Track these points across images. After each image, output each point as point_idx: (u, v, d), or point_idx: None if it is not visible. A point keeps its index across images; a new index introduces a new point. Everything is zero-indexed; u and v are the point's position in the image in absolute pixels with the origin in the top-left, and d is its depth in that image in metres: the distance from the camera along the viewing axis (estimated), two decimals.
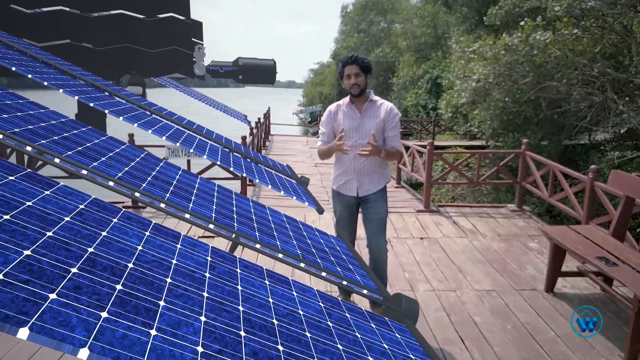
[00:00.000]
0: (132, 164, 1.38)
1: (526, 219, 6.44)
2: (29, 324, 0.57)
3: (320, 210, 2.04)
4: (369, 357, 0.96)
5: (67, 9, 3.97)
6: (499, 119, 9.78)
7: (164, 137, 1.69)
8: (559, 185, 6.03)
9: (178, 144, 1.68)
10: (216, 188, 1.65)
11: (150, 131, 1.68)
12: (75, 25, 3.86)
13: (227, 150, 2.07)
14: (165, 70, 4.36)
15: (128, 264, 0.83)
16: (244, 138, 7.37)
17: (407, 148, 8.39)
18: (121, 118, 1.68)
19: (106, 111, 1.68)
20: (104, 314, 0.65)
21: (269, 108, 18.91)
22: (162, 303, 0.77)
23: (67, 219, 0.87)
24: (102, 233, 0.88)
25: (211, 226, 1.18)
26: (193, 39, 4.41)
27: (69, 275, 0.69)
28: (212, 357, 0.69)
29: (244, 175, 1.77)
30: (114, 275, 0.77)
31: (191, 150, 1.71)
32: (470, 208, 7.06)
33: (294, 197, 1.84)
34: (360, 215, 3.69)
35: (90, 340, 0.59)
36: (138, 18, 4.09)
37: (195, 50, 4.35)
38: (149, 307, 0.73)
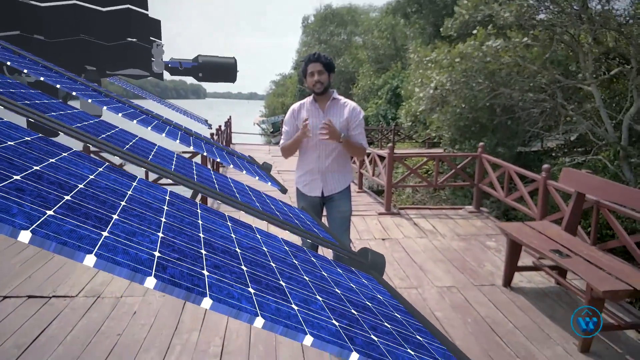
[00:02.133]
0: (86, 122, 1.32)
1: (484, 220, 6.61)
2: None
3: (284, 190, 2.03)
4: (337, 290, 0.94)
5: None
6: (456, 125, 10.03)
7: (119, 114, 1.64)
8: (514, 187, 6.22)
9: (135, 121, 1.63)
10: (175, 155, 1.60)
11: (104, 108, 1.62)
12: (24, 15, 3.71)
13: (187, 134, 2.04)
14: (122, 65, 4.25)
15: (78, 185, 0.76)
16: None
17: (368, 154, 8.49)
18: (74, 93, 1.62)
19: (58, 86, 1.61)
20: (50, 212, 0.60)
21: (230, 117, 18.76)
22: (115, 217, 0.71)
23: (10, 143, 0.79)
24: (50, 160, 0.80)
25: (171, 176, 1.13)
26: (151, 38, 4.33)
27: (10, 180, 0.62)
28: (171, 262, 0.65)
29: (205, 154, 1.73)
30: (62, 189, 0.70)
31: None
32: (430, 210, 7.18)
33: (257, 177, 1.82)
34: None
35: (34, 227, 0.54)
36: (93, 9, 3.98)
37: (153, 47, 4.27)
38: (100, 217, 0.67)
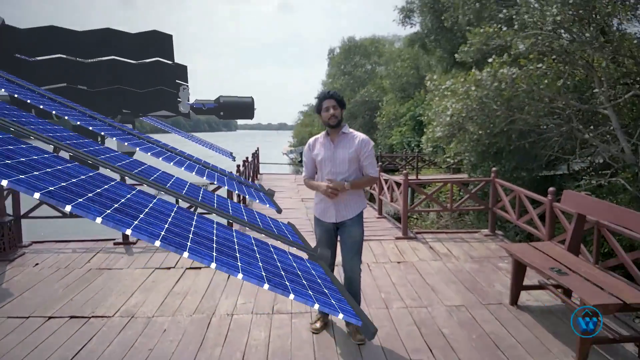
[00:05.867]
0: (125, 161, 1.79)
1: (498, 242, 6.78)
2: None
3: (279, 210, 2.37)
4: (277, 263, 1.40)
5: (65, 56, 4.49)
6: (475, 150, 10.26)
7: (149, 153, 2.05)
8: (526, 210, 6.41)
9: (160, 159, 2.03)
10: (188, 183, 2.03)
11: (137, 149, 2.04)
12: (71, 70, 4.35)
13: (203, 167, 2.43)
14: (152, 108, 4.82)
15: (121, 199, 1.34)
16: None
17: (386, 181, 8.81)
18: (114, 139, 2.05)
19: (102, 133, 2.04)
20: (108, 211, 1.19)
21: (257, 148, 19.42)
22: (142, 215, 1.29)
23: (82, 177, 1.42)
24: (105, 186, 1.40)
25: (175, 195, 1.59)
26: (178, 81, 4.89)
27: (88, 195, 1.23)
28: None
29: (215, 182, 2.13)
30: (113, 201, 1.26)
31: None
32: (446, 234, 7.40)
33: (257, 200, 2.19)
34: None
35: (102, 216, 1.14)
36: (128, 62, 4.60)
37: (180, 91, 4.82)
38: (134, 215, 1.22)
